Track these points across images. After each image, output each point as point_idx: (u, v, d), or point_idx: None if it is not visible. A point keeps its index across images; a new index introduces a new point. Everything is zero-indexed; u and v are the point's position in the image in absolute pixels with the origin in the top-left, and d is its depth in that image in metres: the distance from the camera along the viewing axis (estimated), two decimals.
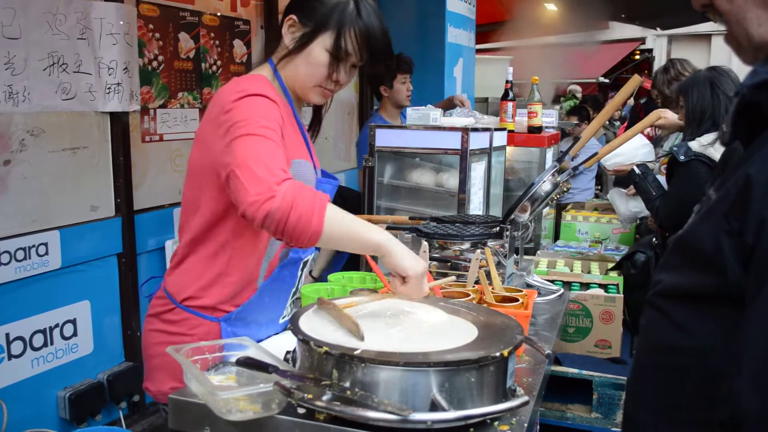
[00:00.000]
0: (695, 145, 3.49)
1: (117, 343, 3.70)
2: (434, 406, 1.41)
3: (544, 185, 2.62)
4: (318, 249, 2.20)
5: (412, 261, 1.76)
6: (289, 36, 1.97)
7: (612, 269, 3.80)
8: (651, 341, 1.30)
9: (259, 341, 1.92)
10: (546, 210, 4.96)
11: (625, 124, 8.09)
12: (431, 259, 2.60)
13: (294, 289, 2.12)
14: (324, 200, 1.68)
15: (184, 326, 1.98)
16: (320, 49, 1.94)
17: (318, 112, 2.22)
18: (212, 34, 4.26)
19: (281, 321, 2.13)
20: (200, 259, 1.95)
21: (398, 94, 4.83)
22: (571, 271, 3.70)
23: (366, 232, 1.72)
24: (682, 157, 3.46)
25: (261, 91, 1.82)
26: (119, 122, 3.55)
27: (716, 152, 3.41)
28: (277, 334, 2.16)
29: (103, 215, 3.55)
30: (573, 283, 3.37)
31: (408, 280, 1.76)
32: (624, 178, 4.29)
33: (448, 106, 5.13)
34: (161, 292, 2.02)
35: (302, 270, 2.12)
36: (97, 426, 3.45)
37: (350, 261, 3.72)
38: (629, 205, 4.50)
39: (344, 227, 1.70)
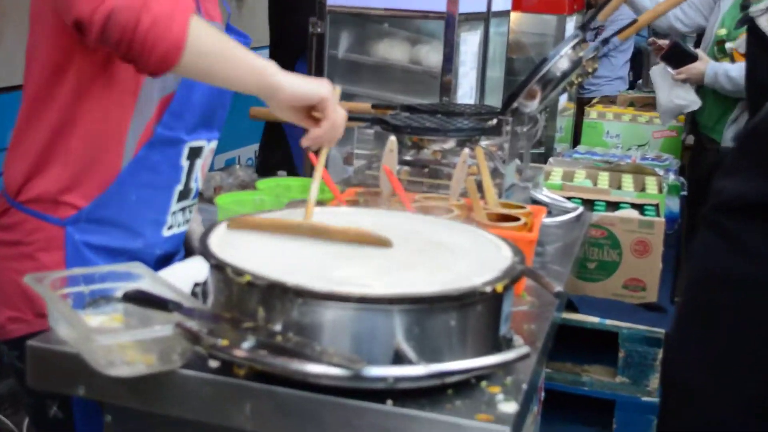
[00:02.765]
0: None
1: None
2: (398, 358, 1.41)
3: (561, 62, 2.59)
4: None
5: (314, 84, 1.83)
6: None
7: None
8: (703, 273, 1.30)
9: (134, 260, 1.91)
10: (563, 103, 4.95)
11: None
12: (402, 162, 2.58)
13: (180, 187, 2.10)
14: (188, 5, 1.71)
15: (18, 231, 1.98)
16: None
17: None
18: None
19: (167, 233, 2.12)
20: (38, 132, 1.94)
21: None
22: (595, 185, 3.71)
23: (245, 52, 1.77)
24: None
25: None
26: None
27: None
28: (173, 257, 2.16)
29: None
30: (596, 202, 3.37)
31: (322, 114, 1.84)
32: (676, 56, 4.29)
33: None
34: None
35: (191, 160, 2.10)
36: None
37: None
38: (672, 93, 4.49)
39: (215, 42, 1.74)
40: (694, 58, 4.39)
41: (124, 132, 1.96)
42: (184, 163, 2.08)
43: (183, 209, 2.14)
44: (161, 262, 2.11)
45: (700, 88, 4.47)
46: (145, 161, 1.99)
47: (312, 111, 1.86)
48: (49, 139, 1.94)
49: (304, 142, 1.88)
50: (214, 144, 2.17)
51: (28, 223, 1.97)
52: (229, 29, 2.16)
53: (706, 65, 4.34)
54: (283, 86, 1.79)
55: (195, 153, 2.09)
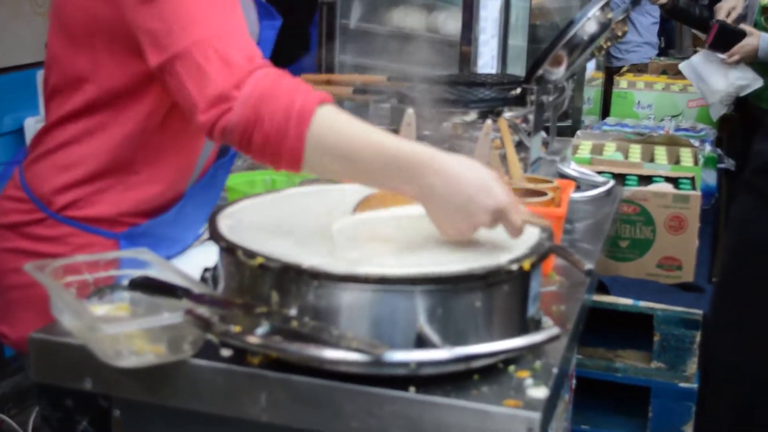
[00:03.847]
0: None
1: None
2: (421, 342, 1.41)
3: (589, 25, 2.58)
4: None
5: (488, 189, 1.57)
6: None
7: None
8: (744, 242, 1.30)
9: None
10: (590, 72, 4.93)
11: None
12: (420, 137, 2.57)
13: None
14: (308, 103, 1.58)
15: (62, 245, 1.95)
16: None
17: None
18: None
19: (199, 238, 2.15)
20: (90, 146, 1.92)
21: None
22: (626, 158, 3.70)
23: (385, 144, 1.57)
24: None
25: None
26: None
27: None
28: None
29: None
30: (628, 176, 3.36)
31: (503, 225, 1.59)
32: (724, 38, 4.26)
33: None
34: (19, 192, 1.99)
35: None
36: None
37: None
38: (729, 77, 4.45)
39: (341, 154, 1.58)
40: (742, 35, 4.36)
41: (194, 161, 1.98)
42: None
43: None
44: None
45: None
46: (209, 179, 2.03)
47: None
48: (110, 155, 1.92)
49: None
50: None
51: (78, 237, 1.94)
52: (261, 6, 2.12)
53: (758, 39, 4.31)
54: (451, 182, 1.55)
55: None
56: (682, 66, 4.69)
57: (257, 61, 1.64)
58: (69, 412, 1.93)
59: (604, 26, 2.61)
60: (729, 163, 4.34)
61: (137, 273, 1.67)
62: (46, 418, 1.87)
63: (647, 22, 7.12)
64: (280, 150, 1.58)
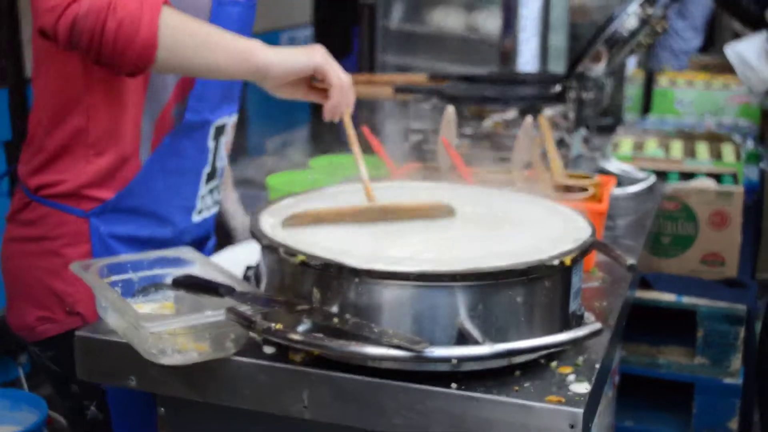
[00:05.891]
0: None
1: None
2: (462, 338, 1.41)
3: (628, 21, 2.56)
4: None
5: (304, 53, 1.81)
6: None
7: None
8: None
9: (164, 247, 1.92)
10: (631, 70, 4.89)
11: None
12: (461, 136, 2.56)
13: (207, 169, 2.10)
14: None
15: (43, 226, 1.98)
16: None
17: None
18: None
19: (197, 218, 2.12)
20: (56, 127, 1.94)
21: None
22: (667, 154, 3.66)
23: (226, 37, 1.77)
24: None
25: None
26: None
27: None
28: (205, 243, 2.17)
29: None
30: (669, 173, 3.33)
31: (324, 83, 1.81)
32: None
33: None
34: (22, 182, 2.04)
35: (216, 140, 2.10)
36: None
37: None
38: None
39: (191, 33, 1.73)
40: None
41: (138, 115, 1.96)
42: (211, 144, 2.09)
43: (211, 191, 2.14)
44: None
45: None
46: (171, 147, 1.99)
47: (311, 83, 1.85)
48: (68, 134, 1.94)
49: (325, 116, 1.87)
50: (235, 118, 2.17)
51: (52, 216, 1.97)
52: None
53: None
54: (272, 64, 1.77)
55: (219, 131, 2.09)
56: (728, 51, 4.60)
57: None
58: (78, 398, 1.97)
59: (644, 22, 2.58)
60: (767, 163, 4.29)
61: (181, 271, 1.68)
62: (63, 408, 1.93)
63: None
64: (135, 34, 1.66)
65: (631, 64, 4.94)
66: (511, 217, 1.71)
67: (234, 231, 2.37)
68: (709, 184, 3.23)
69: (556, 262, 1.46)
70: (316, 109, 5.89)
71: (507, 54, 3.30)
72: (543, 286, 1.47)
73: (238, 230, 2.39)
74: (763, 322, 2.63)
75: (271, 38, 6.49)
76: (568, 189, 2.15)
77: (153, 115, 1.96)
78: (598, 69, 2.61)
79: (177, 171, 2.02)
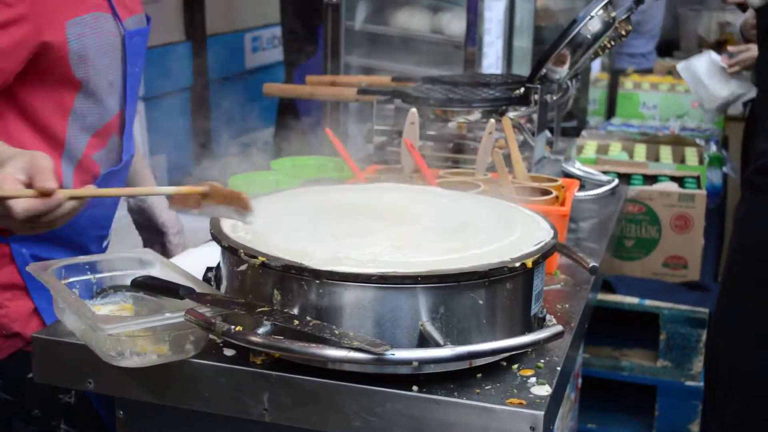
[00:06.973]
0: None
1: None
2: (424, 341, 1.40)
3: (592, 23, 2.56)
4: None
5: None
6: None
7: None
8: (748, 239, 1.29)
9: None
10: (595, 73, 4.91)
11: None
12: (424, 137, 2.56)
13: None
14: None
15: None
16: None
17: None
18: None
19: (104, 244, 2.14)
20: None
21: None
22: (631, 158, 3.68)
23: None
24: None
25: None
26: None
27: None
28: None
29: None
30: (633, 176, 3.35)
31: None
32: None
33: None
34: None
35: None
36: None
37: None
38: (729, 85, 4.39)
39: None
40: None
41: (59, 156, 1.94)
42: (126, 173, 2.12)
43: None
44: None
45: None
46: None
47: None
48: None
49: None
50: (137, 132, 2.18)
51: None
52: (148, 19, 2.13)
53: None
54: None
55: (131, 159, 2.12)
56: (680, 67, 4.62)
57: None
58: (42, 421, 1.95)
59: (608, 25, 2.59)
60: (731, 166, 4.33)
61: (140, 273, 1.67)
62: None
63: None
64: None
65: (596, 67, 4.96)
66: (474, 220, 1.71)
67: (164, 226, 2.30)
68: (673, 187, 3.25)
69: (517, 265, 1.46)
70: (280, 112, 5.92)
71: (471, 57, 3.30)
72: (505, 289, 1.47)
73: (168, 225, 2.32)
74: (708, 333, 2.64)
75: (235, 39, 6.49)
76: (531, 191, 2.15)
77: (73, 156, 1.96)
78: (561, 71, 2.61)
79: (98, 204, 2.03)
